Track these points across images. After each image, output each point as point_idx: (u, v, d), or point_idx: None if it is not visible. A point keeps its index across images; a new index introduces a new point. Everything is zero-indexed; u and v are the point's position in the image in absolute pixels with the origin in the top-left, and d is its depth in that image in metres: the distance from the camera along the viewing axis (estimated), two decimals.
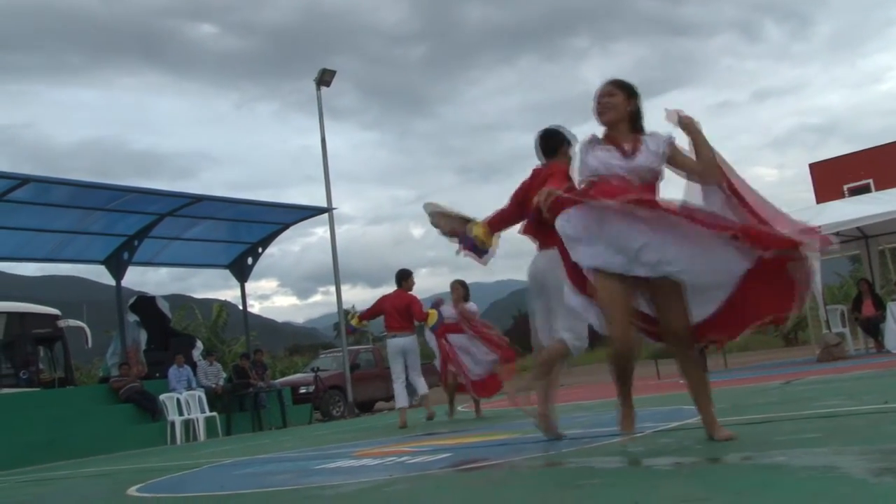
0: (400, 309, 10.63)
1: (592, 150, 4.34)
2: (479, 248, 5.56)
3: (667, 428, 5.51)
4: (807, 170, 30.59)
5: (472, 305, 10.93)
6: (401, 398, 10.72)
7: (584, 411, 9.03)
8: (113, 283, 17.77)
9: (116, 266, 17.35)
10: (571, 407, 10.05)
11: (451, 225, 5.70)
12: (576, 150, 5.05)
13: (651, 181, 4.28)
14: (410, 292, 10.94)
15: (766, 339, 39.70)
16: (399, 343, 10.66)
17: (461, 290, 10.86)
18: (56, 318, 22.22)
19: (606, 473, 3.80)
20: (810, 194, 28.95)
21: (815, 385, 8.58)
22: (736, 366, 19.23)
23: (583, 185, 4.37)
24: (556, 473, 4.04)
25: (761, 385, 9.83)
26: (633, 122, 4.41)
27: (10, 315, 20.94)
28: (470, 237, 5.53)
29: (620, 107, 4.35)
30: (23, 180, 14.28)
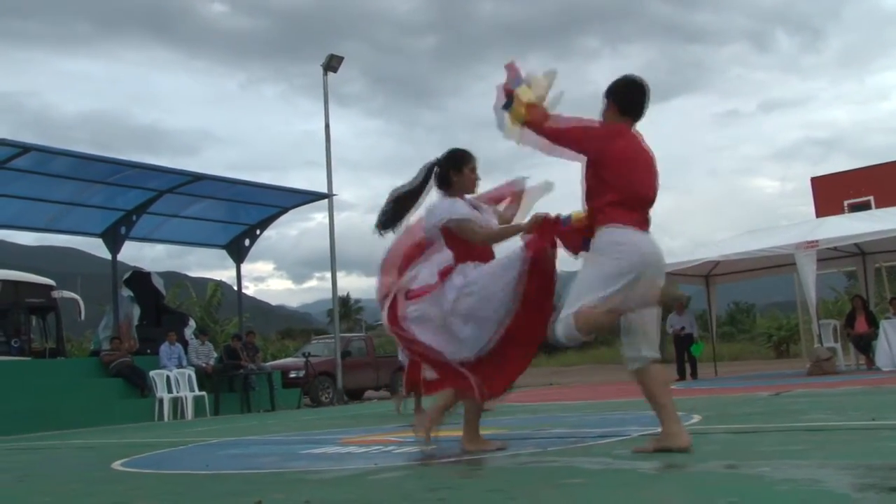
0: None
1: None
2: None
3: (654, 432, 5.51)
4: (808, 184, 30.57)
5: None
6: None
7: (571, 411, 9.05)
8: (109, 256, 17.75)
9: (113, 240, 17.30)
10: (559, 407, 10.09)
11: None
12: None
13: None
14: None
15: (758, 350, 39.77)
16: None
17: None
18: (51, 288, 22.21)
19: (590, 474, 3.81)
20: (810, 208, 28.91)
21: (803, 398, 8.60)
22: (725, 374, 19.27)
23: None
24: (539, 470, 4.05)
25: (750, 395, 9.85)
26: None
27: (5, 283, 20.93)
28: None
29: None
30: (24, 149, 14.25)
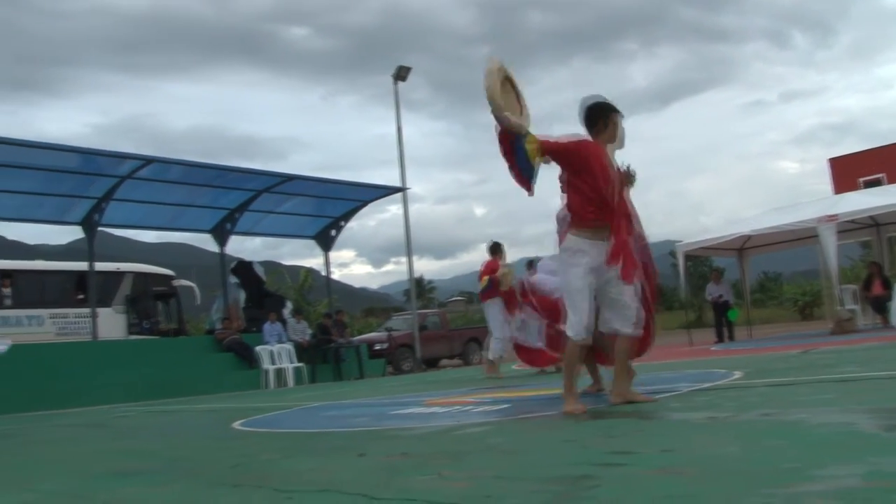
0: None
1: None
2: (527, 168, 4.59)
3: (700, 388, 5.48)
4: (826, 164, 29.81)
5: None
6: (495, 348, 10.77)
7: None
8: (216, 249, 18.06)
9: (221, 235, 17.61)
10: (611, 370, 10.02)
11: (516, 119, 4.61)
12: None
13: None
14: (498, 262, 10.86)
15: (785, 314, 39.01)
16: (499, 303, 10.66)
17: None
18: (171, 278, 22.78)
19: (648, 425, 3.81)
20: (828, 186, 28.22)
21: (830, 354, 8.44)
22: (758, 336, 18.94)
23: None
24: (604, 423, 4.06)
25: (782, 353, 9.68)
26: None
27: (136, 275, 21.57)
28: (521, 147, 4.54)
29: None
30: (147, 161, 14.62)
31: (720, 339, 16.99)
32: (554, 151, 4.58)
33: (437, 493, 2.37)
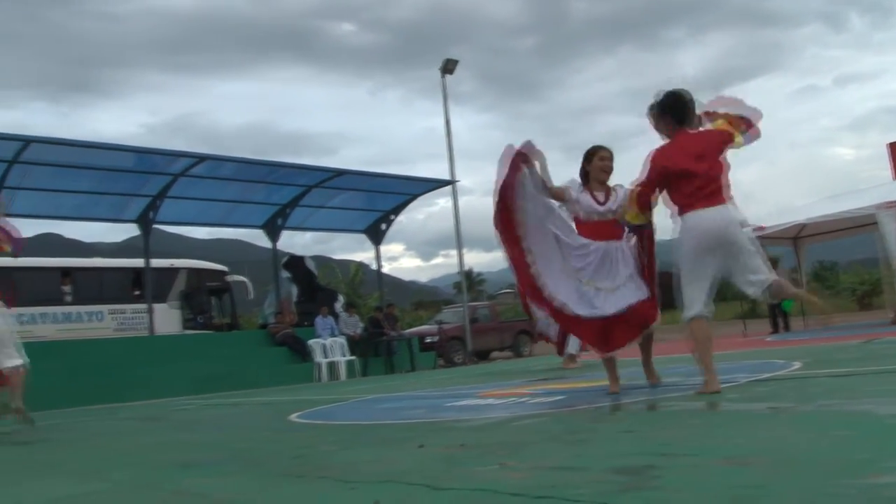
0: None
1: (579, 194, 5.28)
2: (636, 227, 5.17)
3: (759, 379, 5.39)
4: (884, 150, 29.02)
5: None
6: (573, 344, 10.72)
7: (678, 363, 8.88)
8: (267, 244, 18.27)
9: (272, 230, 17.82)
10: (664, 360, 9.91)
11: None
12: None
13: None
14: None
15: (842, 304, 38.20)
16: None
17: None
18: (224, 273, 23.16)
19: (709, 416, 3.76)
20: (887, 172, 27.50)
21: (892, 344, 8.25)
22: (814, 327, 18.58)
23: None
24: (663, 414, 4.02)
25: (841, 344, 9.49)
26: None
27: (190, 270, 21.99)
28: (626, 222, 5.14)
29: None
30: (200, 158, 14.88)
31: (775, 330, 16.73)
32: (648, 197, 4.98)
33: (499, 484, 2.37)
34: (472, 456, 3.09)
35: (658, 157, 4.76)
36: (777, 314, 17.13)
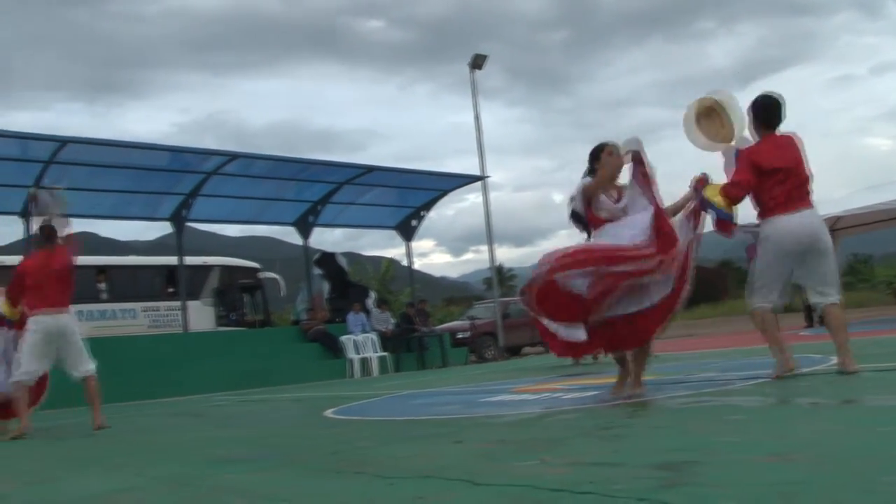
0: None
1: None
2: (724, 215, 4.88)
3: (798, 373, 5.31)
4: None
5: None
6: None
7: (715, 358, 8.82)
8: (298, 241, 18.35)
9: (304, 227, 17.87)
10: (702, 354, 9.84)
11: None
12: None
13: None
14: None
15: (878, 297, 37.63)
16: None
17: None
18: (257, 270, 23.33)
19: (748, 411, 3.72)
20: None
21: None
22: (850, 320, 18.29)
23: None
24: (701, 409, 3.98)
25: (878, 338, 9.35)
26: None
27: (223, 268, 22.19)
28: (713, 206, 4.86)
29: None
30: (232, 156, 14.99)
31: (810, 324, 16.51)
32: (743, 191, 4.91)
33: (539, 479, 2.36)
34: (511, 451, 3.09)
35: (749, 154, 4.92)
36: (811, 308, 16.90)
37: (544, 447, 3.08)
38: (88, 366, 6.61)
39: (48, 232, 6.70)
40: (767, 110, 4.97)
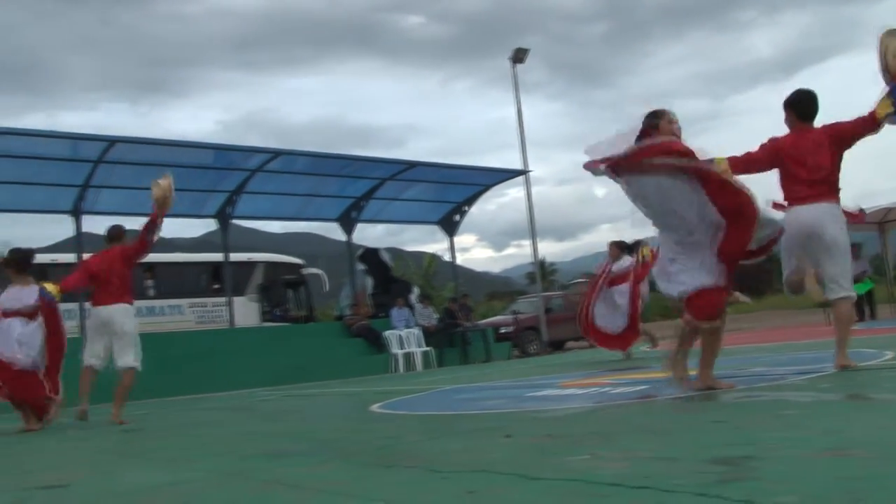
0: None
1: None
2: None
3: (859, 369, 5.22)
4: None
5: (625, 262, 10.37)
6: None
7: (765, 352, 8.70)
8: (340, 237, 18.45)
9: (347, 223, 17.99)
10: (751, 349, 9.71)
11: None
12: None
13: None
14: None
15: None
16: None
17: (617, 250, 10.42)
18: (300, 266, 23.53)
19: (801, 406, 3.66)
20: None
21: None
22: (886, 317, 17.91)
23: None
24: (754, 404, 3.93)
25: None
26: None
27: (267, 264, 22.45)
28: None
29: None
30: (276, 153, 15.13)
31: (861, 318, 16.20)
32: (751, 165, 5.07)
33: (593, 474, 2.34)
34: (562, 446, 3.08)
35: (776, 140, 5.11)
36: (863, 302, 16.58)
37: (596, 441, 3.06)
38: (129, 361, 6.96)
39: (115, 232, 7.35)
40: (801, 103, 5.16)
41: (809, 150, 4.99)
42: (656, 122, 4.61)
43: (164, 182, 7.19)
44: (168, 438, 5.36)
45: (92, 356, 7.00)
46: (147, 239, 7.16)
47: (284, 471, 3.14)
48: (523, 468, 2.53)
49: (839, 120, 5.06)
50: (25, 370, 6.59)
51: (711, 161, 4.48)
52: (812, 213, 4.94)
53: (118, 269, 7.02)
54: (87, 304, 8.25)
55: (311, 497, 2.52)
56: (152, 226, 7.13)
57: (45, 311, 6.76)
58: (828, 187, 4.98)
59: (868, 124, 4.88)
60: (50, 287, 6.86)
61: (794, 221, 4.94)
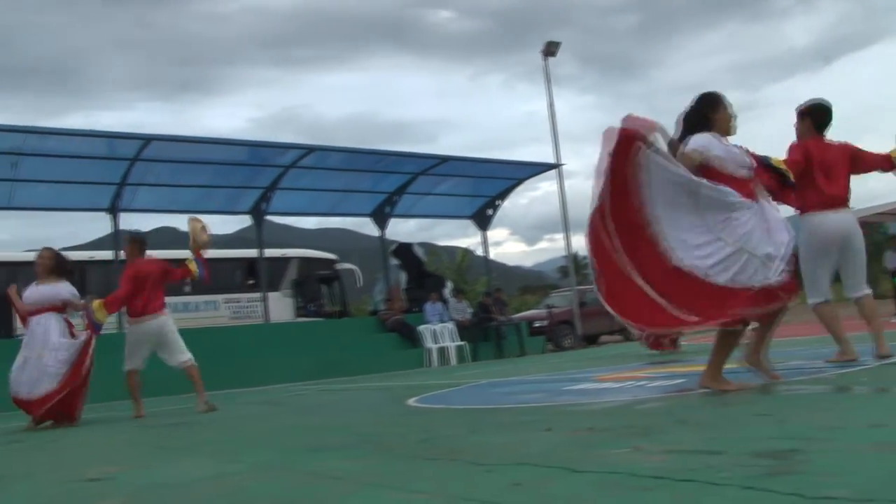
0: None
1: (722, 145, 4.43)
2: None
3: (892, 362, 5.16)
4: None
5: None
6: None
7: (800, 346, 8.60)
8: (373, 232, 18.53)
9: (380, 218, 18.06)
10: (786, 342, 9.60)
11: None
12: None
13: None
14: None
15: None
16: None
17: None
18: (334, 262, 23.66)
19: (843, 399, 3.63)
20: None
21: None
22: None
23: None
24: (796, 397, 3.90)
25: None
26: None
27: (301, 259, 22.60)
28: None
29: None
30: (309, 149, 15.23)
31: None
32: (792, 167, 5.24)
33: (637, 467, 2.34)
34: (603, 439, 3.07)
35: (801, 144, 5.31)
36: None
37: (637, 435, 3.05)
38: (184, 357, 7.51)
39: (140, 244, 7.73)
40: (818, 114, 5.42)
41: (833, 163, 5.31)
42: (710, 113, 4.41)
43: (195, 224, 7.51)
44: (210, 432, 5.42)
45: (133, 364, 7.42)
46: (179, 282, 8.01)
47: (327, 464, 3.16)
48: (566, 461, 2.53)
49: (859, 146, 5.50)
50: (50, 395, 6.70)
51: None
52: (846, 218, 5.31)
53: (157, 283, 7.46)
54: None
55: (356, 489, 2.54)
56: (187, 274, 7.67)
57: (88, 339, 6.98)
58: (845, 199, 5.37)
59: (884, 164, 5.37)
60: (96, 307, 7.00)
61: (825, 226, 5.25)
